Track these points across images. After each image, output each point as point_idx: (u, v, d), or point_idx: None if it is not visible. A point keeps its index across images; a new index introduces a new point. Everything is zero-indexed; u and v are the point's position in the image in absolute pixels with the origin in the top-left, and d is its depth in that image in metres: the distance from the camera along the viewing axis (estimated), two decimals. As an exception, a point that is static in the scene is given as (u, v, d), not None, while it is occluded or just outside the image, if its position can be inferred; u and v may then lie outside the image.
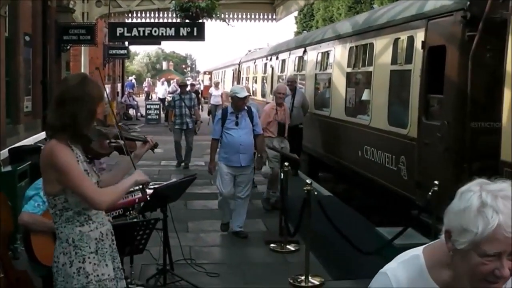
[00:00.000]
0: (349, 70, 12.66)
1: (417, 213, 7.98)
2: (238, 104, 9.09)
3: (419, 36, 9.09)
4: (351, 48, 12.57)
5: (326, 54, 14.55)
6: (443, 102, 8.40)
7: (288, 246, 8.65)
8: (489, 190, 1.97)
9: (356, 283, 7.37)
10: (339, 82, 13.16)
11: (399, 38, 9.91)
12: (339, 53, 13.41)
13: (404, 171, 9.52)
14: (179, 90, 16.82)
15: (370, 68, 11.34)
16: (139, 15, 18.77)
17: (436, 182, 7.25)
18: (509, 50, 6.73)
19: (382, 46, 10.76)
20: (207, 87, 42.71)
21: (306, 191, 7.42)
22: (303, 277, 7.27)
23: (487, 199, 1.94)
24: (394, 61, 10.14)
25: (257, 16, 19.43)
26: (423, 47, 8.92)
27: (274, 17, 19.46)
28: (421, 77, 8.96)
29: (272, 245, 8.74)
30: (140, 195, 5.51)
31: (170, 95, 27.97)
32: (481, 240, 1.91)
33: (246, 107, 9.28)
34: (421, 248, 2.21)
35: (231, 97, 9.32)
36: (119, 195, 3.96)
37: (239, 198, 9.16)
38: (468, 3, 7.80)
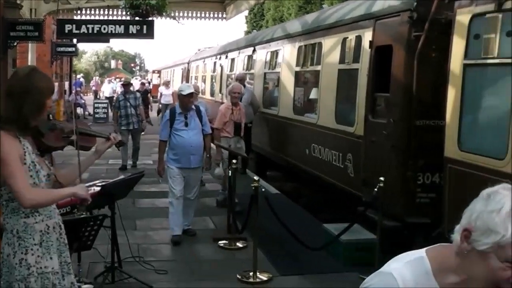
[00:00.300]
0: (298, 69, 12.71)
1: (363, 209, 8.05)
2: (184, 102, 8.87)
3: (367, 36, 9.18)
4: (300, 47, 12.62)
5: (275, 53, 14.58)
6: (389, 101, 8.50)
7: (236, 243, 8.66)
8: None
9: (303, 278, 7.42)
10: (288, 81, 13.20)
11: (347, 37, 9.99)
12: (288, 52, 13.45)
13: (351, 168, 9.60)
14: (122, 89, 16.55)
15: (318, 67, 11.40)
16: (88, 12, 18.46)
17: (381, 178, 7.35)
18: (453, 50, 6.85)
19: (330, 45, 10.83)
20: (156, 86, 42.38)
21: (253, 188, 7.43)
22: (251, 273, 7.28)
23: None
24: (342, 60, 10.21)
25: (207, 15, 19.32)
26: (370, 46, 9.01)
27: (224, 16, 19.39)
28: (368, 76, 9.05)
29: (220, 242, 8.72)
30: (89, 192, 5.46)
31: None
32: (507, 244, 1.85)
33: (194, 107, 9.04)
34: (423, 250, 2.14)
35: (178, 95, 9.19)
36: (50, 200, 3.85)
37: (188, 199, 8.95)
38: (415, 4, 7.90)
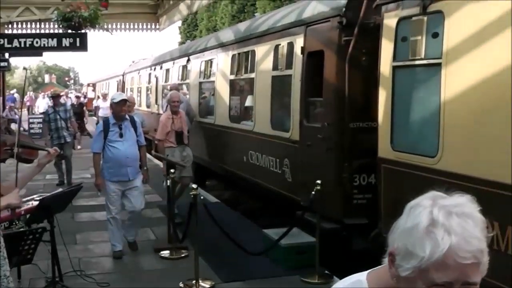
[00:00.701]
0: (232, 77, 12.69)
1: (301, 213, 8.09)
2: (117, 110, 8.47)
3: (299, 42, 9.25)
4: (233, 55, 12.61)
5: (209, 62, 14.53)
6: (323, 105, 8.58)
7: (177, 253, 8.58)
8: (442, 205, 1.62)
9: (246, 284, 7.41)
10: (223, 89, 13.17)
11: (280, 44, 10.04)
12: (222, 61, 13.42)
13: (288, 173, 9.63)
14: (52, 102, 15.90)
15: (253, 75, 11.41)
16: (20, 26, 18.05)
17: (318, 181, 7.40)
18: (382, 53, 6.95)
19: (263, 52, 10.86)
20: (90, 100, 41.72)
21: (192, 196, 7.38)
22: (193, 281, 7.21)
23: (439, 217, 1.58)
24: (275, 67, 10.25)
25: (140, 26, 19.17)
26: (302, 52, 9.08)
27: (157, 27, 19.26)
28: (301, 82, 9.10)
29: (162, 252, 8.62)
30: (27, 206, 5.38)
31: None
32: (429, 267, 1.55)
33: (128, 117, 8.66)
34: (365, 273, 1.91)
35: (110, 105, 8.98)
36: None
37: (132, 212, 8.61)
38: (344, 9, 8.00)
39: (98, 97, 29.91)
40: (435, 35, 6.07)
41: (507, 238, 5.01)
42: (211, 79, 14.33)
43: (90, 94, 47.21)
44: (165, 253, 8.61)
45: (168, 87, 16.64)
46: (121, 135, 8.42)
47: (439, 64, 5.94)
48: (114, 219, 8.48)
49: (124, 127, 8.48)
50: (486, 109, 5.39)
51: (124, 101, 8.54)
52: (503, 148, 5.14)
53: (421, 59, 6.27)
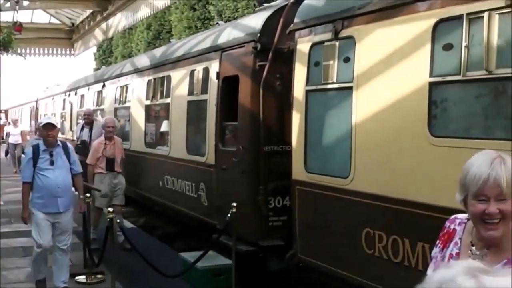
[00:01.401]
0: (148, 102, 12.53)
1: (217, 236, 7.99)
2: (44, 135, 7.70)
3: (214, 67, 9.23)
4: (149, 81, 12.46)
5: (125, 88, 14.31)
6: (238, 129, 8.56)
7: (94, 278, 8.29)
8: None
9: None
10: (139, 115, 12.97)
11: (195, 69, 9.99)
12: (137, 86, 13.24)
13: (204, 197, 9.53)
14: None
15: (168, 100, 11.30)
16: None
17: (234, 204, 7.33)
18: (296, 77, 7.01)
19: (179, 78, 10.78)
20: (2, 126, 40.27)
21: (108, 220, 7.17)
22: (110, 307, 6.98)
23: None
24: (191, 92, 10.18)
25: (55, 51, 18.75)
26: (217, 77, 9.05)
27: (72, 52, 18.87)
28: (216, 106, 9.06)
29: (78, 277, 8.30)
30: None
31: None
32: None
33: (60, 143, 7.77)
34: None
35: (38, 130, 8.60)
36: None
37: (60, 250, 7.61)
38: (258, 35, 8.04)
39: (9, 123, 28.86)
40: (347, 60, 6.18)
41: (417, 254, 5.09)
42: (127, 104, 14.10)
43: (2, 121, 45.53)
44: (81, 278, 8.30)
45: (82, 114, 16.27)
46: (51, 163, 7.48)
47: (351, 88, 6.03)
48: (41, 253, 7.53)
49: (56, 154, 7.55)
50: (394, 131, 5.50)
51: (50, 125, 7.63)
52: (410, 168, 5.25)
53: (333, 83, 6.35)
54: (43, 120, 8.27)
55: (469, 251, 2.52)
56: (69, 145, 8.04)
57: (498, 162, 2.36)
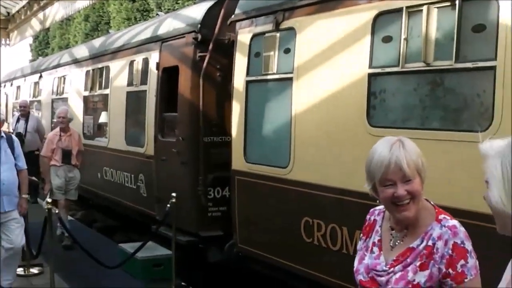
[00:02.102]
0: (86, 93, 12.20)
1: (156, 227, 7.84)
2: None
3: (154, 58, 9.03)
4: (87, 71, 12.14)
5: (62, 79, 13.90)
6: (178, 120, 8.40)
7: (32, 270, 8.02)
8: None
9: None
10: (77, 106, 12.61)
11: (135, 60, 9.77)
12: (75, 77, 12.88)
13: (144, 188, 9.34)
14: None
15: (107, 91, 11.02)
16: None
17: (173, 194, 7.20)
18: (236, 68, 6.91)
19: (118, 68, 10.52)
20: None
21: (46, 210, 6.90)
22: (49, 297, 6.75)
23: None
24: (130, 82, 9.95)
25: (-11, 41, 18.07)
26: (157, 68, 8.87)
27: (8, 42, 18.23)
28: (156, 97, 8.88)
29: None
30: None
31: None
32: None
33: (4, 135, 6.95)
34: None
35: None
36: None
37: (9, 249, 6.81)
38: (199, 25, 7.90)
39: None
40: (287, 51, 6.12)
41: (355, 241, 5.08)
42: (64, 95, 13.71)
43: None
44: (19, 270, 7.97)
45: (18, 105, 15.76)
46: None
47: (291, 79, 5.97)
48: None
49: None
50: (334, 121, 5.47)
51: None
52: (349, 158, 5.24)
53: (274, 73, 6.28)
54: None
55: (390, 235, 2.60)
56: (15, 137, 7.24)
57: (397, 146, 2.43)
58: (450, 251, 2.43)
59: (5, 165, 6.68)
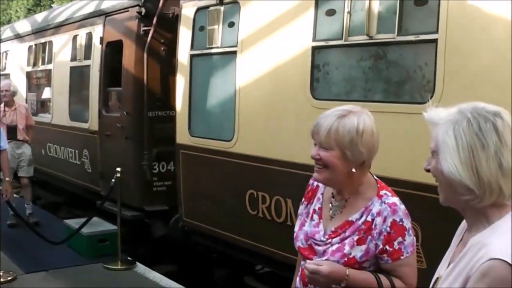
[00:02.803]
0: (29, 69, 11.74)
1: (101, 203, 7.62)
2: None
3: (97, 32, 8.72)
4: (30, 47, 11.67)
5: (4, 55, 13.35)
6: (122, 95, 8.16)
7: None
8: None
9: (48, 274, 6.85)
10: (19, 82, 12.10)
11: (78, 34, 9.41)
12: (18, 52, 12.39)
13: (88, 164, 9.07)
14: None
15: (50, 66, 10.63)
16: None
17: (118, 169, 7.00)
18: (180, 42, 6.70)
19: (61, 43, 10.14)
20: None
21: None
22: (-5, 274, 6.50)
23: None
24: (73, 57, 9.60)
25: None
26: (101, 42, 8.57)
27: None
28: (100, 72, 8.59)
29: None
30: None
31: None
32: None
33: None
34: None
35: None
36: None
37: None
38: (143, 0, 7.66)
39: None
40: (231, 24, 5.94)
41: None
42: (6, 71, 13.17)
43: None
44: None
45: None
46: None
47: (235, 52, 5.81)
48: None
49: None
50: (278, 94, 5.36)
51: None
52: (292, 130, 5.14)
53: (218, 47, 6.11)
54: None
55: (330, 204, 2.54)
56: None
57: (339, 114, 2.39)
58: (388, 228, 2.39)
59: None
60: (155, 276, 6.87)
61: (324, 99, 4.85)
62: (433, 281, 1.89)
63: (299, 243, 2.58)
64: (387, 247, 2.39)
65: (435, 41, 4.00)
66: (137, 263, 7.21)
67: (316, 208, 2.61)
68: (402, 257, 2.40)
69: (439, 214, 3.34)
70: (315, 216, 2.58)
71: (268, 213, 5.42)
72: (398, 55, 4.40)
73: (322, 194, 2.61)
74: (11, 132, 8.80)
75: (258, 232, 5.60)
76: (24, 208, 8.93)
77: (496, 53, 3.73)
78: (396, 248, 2.39)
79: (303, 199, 2.68)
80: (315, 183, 2.63)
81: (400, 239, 2.39)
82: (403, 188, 4.02)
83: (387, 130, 4.27)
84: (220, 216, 6.18)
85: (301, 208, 2.68)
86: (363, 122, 2.37)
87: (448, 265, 1.83)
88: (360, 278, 2.40)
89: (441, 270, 1.87)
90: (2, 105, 8.91)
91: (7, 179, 6.25)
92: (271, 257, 5.46)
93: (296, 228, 2.63)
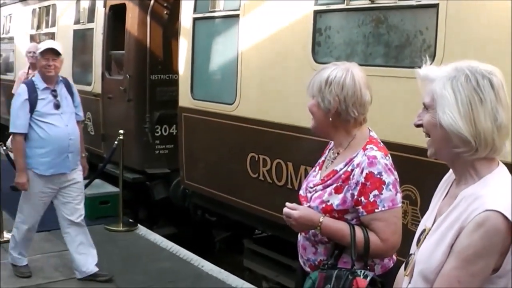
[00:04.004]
0: (33, 32, 11.68)
1: (103, 165, 7.65)
2: (42, 66, 5.27)
3: (101, -5, 8.67)
4: (33, 10, 11.61)
5: (8, 18, 13.27)
6: (125, 58, 8.13)
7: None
8: None
9: (50, 234, 6.86)
10: (23, 45, 12.06)
11: (81, -3, 9.36)
12: (21, 16, 12.32)
13: (91, 126, 9.07)
14: None
15: (54, 29, 10.57)
16: None
17: (121, 131, 7.03)
18: (183, 6, 6.64)
19: (64, 6, 10.07)
20: None
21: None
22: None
23: None
24: (77, 20, 9.54)
25: None
26: (104, 5, 8.52)
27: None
28: (103, 35, 8.55)
29: None
30: None
31: None
32: None
33: (61, 78, 5.51)
34: None
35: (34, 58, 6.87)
36: None
37: (74, 223, 5.50)
38: (147, -38, 7.60)
39: None
40: (234, -12, 5.90)
41: (300, 176, 5.03)
42: (11, 34, 13.13)
43: None
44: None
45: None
46: (57, 106, 5.26)
47: (237, 16, 5.77)
48: (29, 230, 5.59)
49: (60, 94, 5.34)
50: (280, 58, 5.34)
51: (52, 52, 5.27)
52: (294, 94, 5.13)
53: (220, 10, 6.07)
54: (41, 45, 5.72)
55: (329, 156, 2.67)
56: (71, 81, 5.84)
57: (322, 67, 2.60)
58: (363, 179, 2.43)
59: (67, 114, 5.32)
60: (156, 238, 6.94)
61: (325, 62, 4.82)
62: (418, 232, 1.94)
63: (301, 191, 2.72)
64: (362, 198, 2.43)
65: (436, 6, 3.97)
66: (138, 225, 7.28)
67: (320, 161, 2.73)
68: (376, 210, 2.42)
69: (436, 177, 3.36)
70: (317, 168, 2.72)
71: (269, 176, 5.44)
72: (399, 20, 4.37)
73: (330, 150, 2.72)
74: None
75: (258, 195, 5.63)
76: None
77: (497, 18, 3.70)
78: (371, 200, 2.42)
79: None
80: (331, 142, 2.74)
81: (376, 192, 2.42)
82: (402, 152, 4.05)
83: (387, 93, 4.28)
84: (221, 178, 6.21)
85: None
86: (335, 74, 2.49)
87: (435, 217, 1.87)
88: (333, 226, 2.46)
89: (427, 222, 1.92)
90: (27, 68, 8.73)
91: (83, 154, 5.72)
92: (271, 220, 5.49)
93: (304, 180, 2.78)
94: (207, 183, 6.42)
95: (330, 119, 2.51)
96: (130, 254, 6.45)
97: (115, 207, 7.32)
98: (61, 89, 5.36)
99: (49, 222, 7.22)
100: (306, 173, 4.87)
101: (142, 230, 7.20)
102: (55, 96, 5.25)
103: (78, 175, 5.49)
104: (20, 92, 5.23)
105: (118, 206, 7.19)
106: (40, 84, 5.23)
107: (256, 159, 5.58)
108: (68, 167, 5.30)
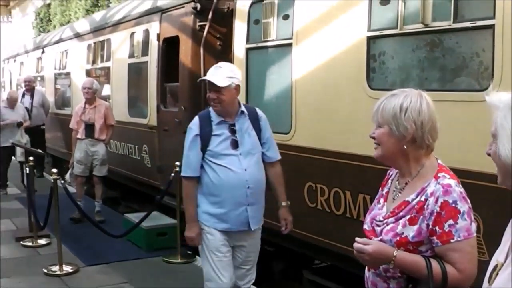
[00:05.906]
0: (88, 67, 12.13)
1: (160, 197, 7.84)
2: (212, 99, 4.49)
3: (154, 29, 8.96)
4: (89, 45, 12.07)
5: (65, 53, 13.82)
6: (179, 90, 8.37)
7: (39, 241, 8.09)
8: None
9: (109, 266, 7.14)
10: (79, 80, 12.54)
11: (135, 31, 9.69)
12: (77, 51, 12.81)
13: (147, 159, 9.34)
14: None
15: (109, 64, 10.97)
16: None
17: (177, 163, 7.18)
18: (236, 36, 6.84)
19: (119, 41, 10.46)
20: None
21: (52, 181, 6.95)
22: (57, 266, 6.89)
23: None
24: (131, 54, 9.89)
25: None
26: (158, 39, 8.81)
27: (10, 19, 18.12)
28: (157, 68, 8.84)
29: (23, 241, 8.10)
30: None
31: None
32: None
33: (245, 110, 4.61)
34: None
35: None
36: None
37: None
38: (198, -5, 7.83)
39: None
40: (286, 17, 6.03)
41: (358, 205, 5.07)
42: (67, 70, 13.65)
43: None
44: (27, 241, 8.08)
45: (23, 81, 15.72)
46: (234, 144, 4.47)
47: (290, 44, 5.91)
48: None
49: (240, 130, 4.51)
50: (334, 85, 5.42)
51: (213, 85, 4.51)
52: (349, 121, 5.20)
53: (273, 40, 6.22)
54: (212, 72, 4.68)
55: (394, 187, 2.65)
56: (260, 113, 4.76)
57: (389, 94, 2.59)
58: (438, 208, 2.39)
59: (249, 155, 4.47)
60: (214, 269, 7.03)
61: (381, 89, 4.89)
62: (490, 268, 1.86)
63: (366, 225, 2.68)
64: (437, 228, 2.40)
65: (491, 27, 4.00)
66: (196, 256, 7.39)
67: (384, 192, 2.72)
68: (452, 241, 2.38)
69: (499, 203, 3.36)
70: (381, 200, 2.70)
71: (327, 206, 5.49)
72: (454, 43, 4.41)
73: (392, 180, 2.71)
74: (88, 130, 9.15)
75: (317, 225, 5.68)
76: (85, 204, 9.25)
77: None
78: (446, 230, 2.38)
79: (380, 188, 2.80)
80: (392, 172, 2.76)
81: (451, 221, 2.38)
82: (462, 178, 4.05)
83: (444, 118, 4.29)
84: (278, 209, 6.26)
85: (377, 195, 2.78)
86: (409, 99, 2.50)
87: (507, 251, 1.79)
88: (408, 260, 2.42)
89: (500, 256, 1.83)
90: (83, 102, 9.26)
91: (283, 203, 4.93)
92: (330, 250, 5.52)
93: (367, 213, 2.76)
94: (264, 214, 6.49)
95: (405, 146, 2.50)
96: (189, 286, 6.56)
97: (173, 238, 7.46)
98: (243, 123, 4.54)
99: (106, 254, 7.50)
100: (365, 202, 4.94)
101: (200, 261, 7.31)
102: (233, 131, 4.46)
103: (258, 234, 4.74)
104: (192, 127, 4.60)
105: (176, 238, 7.33)
106: (215, 117, 4.49)
107: (314, 188, 5.64)
108: (247, 223, 4.50)
